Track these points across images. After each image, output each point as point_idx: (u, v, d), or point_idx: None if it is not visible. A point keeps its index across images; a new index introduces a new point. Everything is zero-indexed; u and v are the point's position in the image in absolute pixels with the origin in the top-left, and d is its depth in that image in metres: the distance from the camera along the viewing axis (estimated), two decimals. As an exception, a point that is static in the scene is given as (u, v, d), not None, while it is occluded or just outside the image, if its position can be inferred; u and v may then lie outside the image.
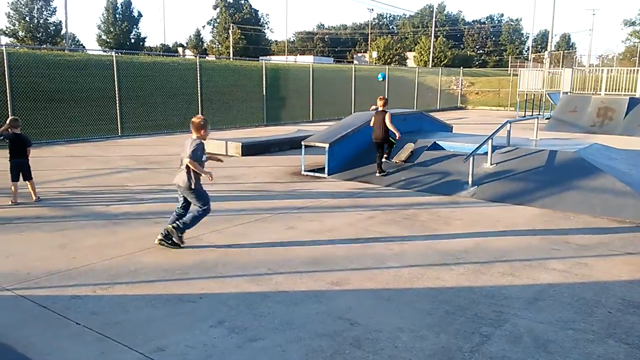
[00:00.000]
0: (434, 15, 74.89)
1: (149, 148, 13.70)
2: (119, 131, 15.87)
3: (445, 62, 65.82)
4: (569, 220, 7.11)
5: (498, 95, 35.92)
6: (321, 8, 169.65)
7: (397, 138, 9.48)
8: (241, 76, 23.97)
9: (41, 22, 56.01)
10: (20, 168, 7.67)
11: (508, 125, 9.72)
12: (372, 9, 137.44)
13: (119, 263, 5.23)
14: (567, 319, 4.13)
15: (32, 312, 4.14)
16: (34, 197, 7.75)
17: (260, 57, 43.37)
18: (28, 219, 6.90)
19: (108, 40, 65.20)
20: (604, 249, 5.90)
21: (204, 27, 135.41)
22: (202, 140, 5.53)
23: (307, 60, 48.68)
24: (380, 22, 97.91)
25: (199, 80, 18.09)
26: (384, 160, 9.72)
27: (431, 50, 68.23)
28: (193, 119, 5.57)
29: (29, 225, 6.62)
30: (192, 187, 5.47)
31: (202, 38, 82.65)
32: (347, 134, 10.43)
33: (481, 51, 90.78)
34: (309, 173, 10.20)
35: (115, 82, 15.79)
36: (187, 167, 5.42)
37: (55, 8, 56.49)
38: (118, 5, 66.11)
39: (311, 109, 22.97)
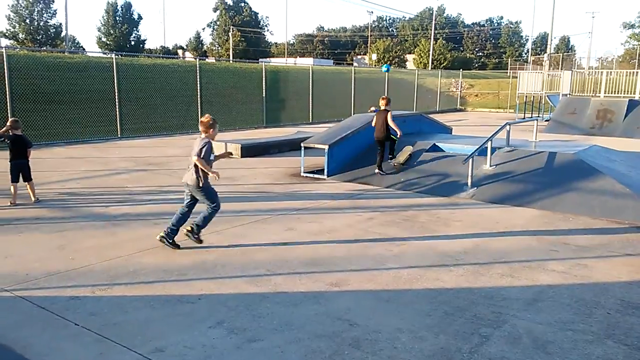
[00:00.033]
0: (434, 18, 74.98)
1: (148, 149, 13.69)
2: (119, 133, 15.88)
3: (444, 64, 65.88)
4: (568, 222, 7.11)
5: (497, 98, 35.94)
6: (321, 10, 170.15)
7: (398, 136, 9.52)
8: (241, 78, 24.00)
9: (41, 24, 56.05)
10: (21, 169, 7.67)
11: (507, 127, 9.73)
12: (372, 12, 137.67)
13: (118, 264, 5.23)
14: (566, 320, 4.13)
15: (31, 313, 4.13)
16: (33, 198, 7.75)
17: (260, 60, 43.39)
18: (27, 220, 6.90)
19: (108, 42, 65.28)
20: (603, 250, 5.90)
21: (203, 29, 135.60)
22: (211, 140, 5.59)
23: (306, 62, 48.75)
24: (380, 25, 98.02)
25: (198, 82, 18.11)
26: (391, 161, 9.76)
27: (431, 52, 68.30)
28: (202, 119, 5.65)
29: (28, 226, 6.61)
30: (201, 185, 5.52)
31: (202, 40, 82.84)
32: (347, 136, 10.43)
33: (481, 53, 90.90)
34: (309, 174, 10.20)
35: (115, 84, 15.80)
36: (195, 165, 5.47)
37: (55, 10, 56.64)
38: (118, 7, 66.24)
39: (311, 111, 22.99)
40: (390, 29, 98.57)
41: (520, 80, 26.79)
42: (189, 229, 5.70)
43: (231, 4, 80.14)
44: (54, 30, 56.61)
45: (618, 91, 21.20)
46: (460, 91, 36.48)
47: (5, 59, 13.63)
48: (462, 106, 35.40)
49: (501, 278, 5.00)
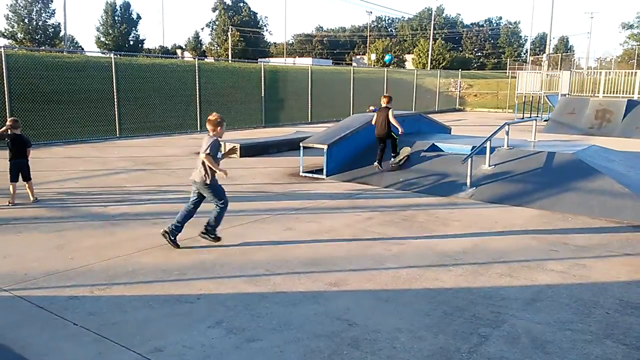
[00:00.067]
0: (433, 18, 75.02)
1: (147, 149, 13.68)
2: (117, 132, 15.87)
3: (443, 64, 65.94)
4: (567, 222, 7.11)
5: (496, 98, 35.98)
6: (320, 10, 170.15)
7: (399, 133, 9.52)
8: (240, 78, 23.97)
9: (40, 24, 55.99)
10: (20, 169, 7.66)
11: (506, 127, 9.73)
12: (371, 12, 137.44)
13: (116, 264, 5.23)
14: (565, 319, 4.13)
15: (30, 313, 4.13)
16: (31, 198, 7.74)
17: (259, 59, 43.36)
18: (26, 219, 6.89)
19: (107, 42, 65.24)
20: (602, 250, 5.90)
21: (202, 29, 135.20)
22: (219, 138, 5.62)
23: (305, 62, 48.72)
24: (379, 25, 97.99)
25: (197, 82, 18.10)
26: (391, 161, 9.77)
27: (430, 52, 68.34)
28: (209, 117, 5.70)
29: (27, 226, 6.60)
30: (208, 182, 5.55)
31: (200, 40, 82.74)
32: (346, 136, 10.43)
33: (479, 54, 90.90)
34: (308, 174, 10.20)
35: (114, 84, 15.79)
36: (203, 162, 5.50)
37: (54, 10, 56.55)
38: (117, 7, 66.20)
39: (310, 111, 22.99)
40: (389, 29, 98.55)
41: (519, 81, 26.82)
42: (203, 231, 5.79)
43: (230, 3, 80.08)
44: (52, 29, 56.55)
45: (617, 91, 21.22)
46: (459, 91, 36.50)
47: (3, 59, 13.62)
48: (461, 106, 35.42)
49: (500, 278, 5.00)
